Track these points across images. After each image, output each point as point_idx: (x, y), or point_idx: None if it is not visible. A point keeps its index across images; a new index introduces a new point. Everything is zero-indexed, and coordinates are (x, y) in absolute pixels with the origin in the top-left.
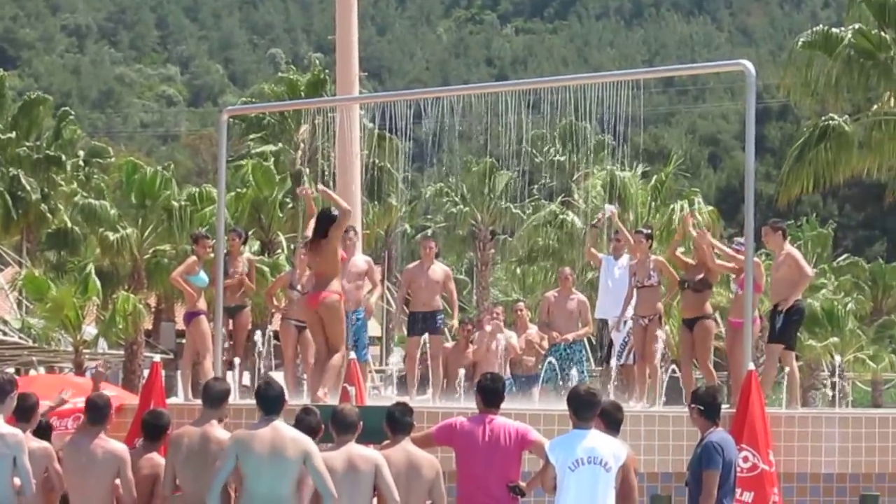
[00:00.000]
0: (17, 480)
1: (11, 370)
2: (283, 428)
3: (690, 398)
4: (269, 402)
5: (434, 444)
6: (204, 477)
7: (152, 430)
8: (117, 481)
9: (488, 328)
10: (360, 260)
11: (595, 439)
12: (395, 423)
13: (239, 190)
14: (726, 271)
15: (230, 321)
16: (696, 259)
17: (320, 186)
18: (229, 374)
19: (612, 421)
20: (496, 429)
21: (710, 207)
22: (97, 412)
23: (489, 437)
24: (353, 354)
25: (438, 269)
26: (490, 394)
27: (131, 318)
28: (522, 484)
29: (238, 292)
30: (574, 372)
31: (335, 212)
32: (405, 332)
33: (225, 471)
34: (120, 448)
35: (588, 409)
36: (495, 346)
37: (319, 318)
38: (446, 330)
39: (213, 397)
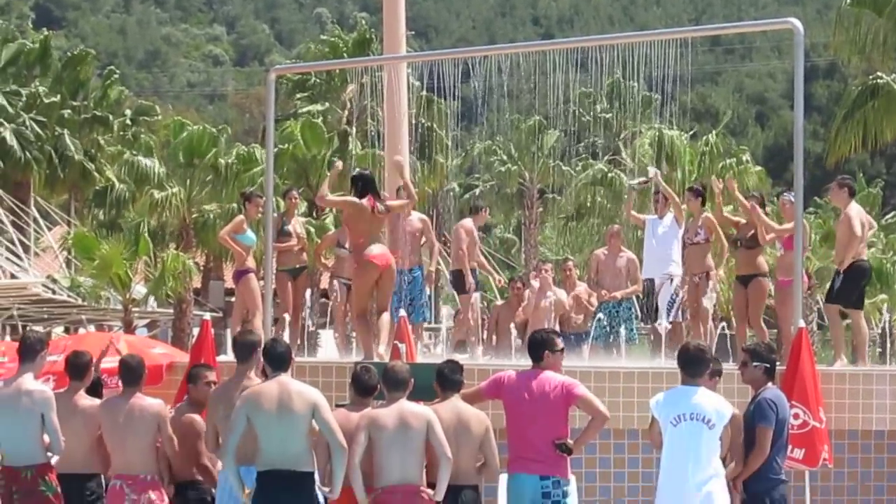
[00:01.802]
0: (46, 438)
1: (61, 329)
2: (289, 382)
3: (749, 355)
4: (276, 358)
5: (483, 398)
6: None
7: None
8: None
9: (535, 283)
10: (414, 219)
11: (700, 396)
12: (445, 380)
13: (282, 146)
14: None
15: (290, 283)
16: (746, 217)
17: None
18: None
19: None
20: (542, 382)
21: (759, 168)
22: (130, 373)
23: (535, 390)
24: (402, 312)
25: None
26: (536, 348)
27: (180, 276)
28: (570, 442)
29: (300, 254)
30: (622, 330)
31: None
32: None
33: (237, 432)
34: (157, 404)
35: (696, 366)
36: (545, 303)
37: (378, 278)
38: (495, 287)
39: (241, 349)
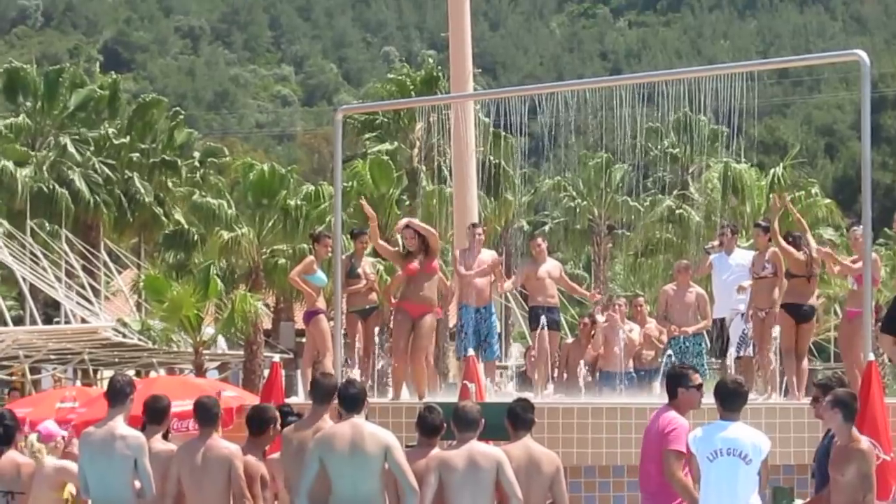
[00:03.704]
0: (137, 483)
1: (132, 372)
2: (362, 424)
3: (820, 390)
4: (350, 400)
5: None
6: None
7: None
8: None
9: (600, 318)
10: (486, 255)
11: (737, 430)
12: (517, 419)
13: (346, 185)
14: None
15: (360, 323)
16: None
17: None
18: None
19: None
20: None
21: (828, 200)
22: (206, 413)
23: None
24: (470, 351)
25: (552, 265)
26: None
27: (250, 317)
28: None
29: (368, 294)
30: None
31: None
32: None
33: (310, 474)
34: (231, 448)
35: (734, 400)
36: (617, 339)
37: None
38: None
39: (319, 391)
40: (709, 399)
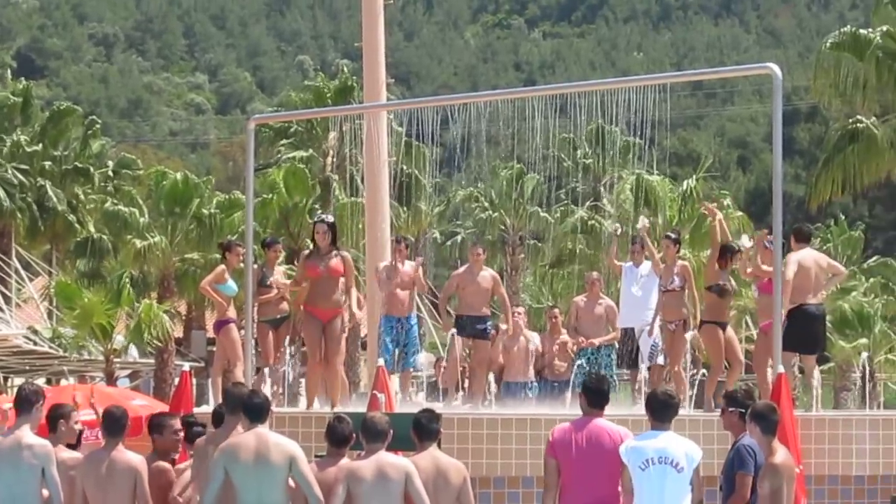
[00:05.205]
0: (45, 492)
1: (42, 380)
2: (267, 434)
3: (725, 401)
4: (254, 410)
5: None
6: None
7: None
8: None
9: (503, 327)
10: (408, 267)
11: (668, 440)
12: (422, 430)
13: (266, 196)
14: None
15: (271, 332)
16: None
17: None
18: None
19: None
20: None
21: (740, 213)
22: (114, 423)
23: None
24: (380, 361)
25: (487, 275)
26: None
27: (156, 326)
28: None
29: (279, 304)
30: None
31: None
32: (449, 335)
33: (215, 485)
34: (136, 459)
35: (665, 411)
36: (520, 346)
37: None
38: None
39: (233, 403)
40: (638, 410)
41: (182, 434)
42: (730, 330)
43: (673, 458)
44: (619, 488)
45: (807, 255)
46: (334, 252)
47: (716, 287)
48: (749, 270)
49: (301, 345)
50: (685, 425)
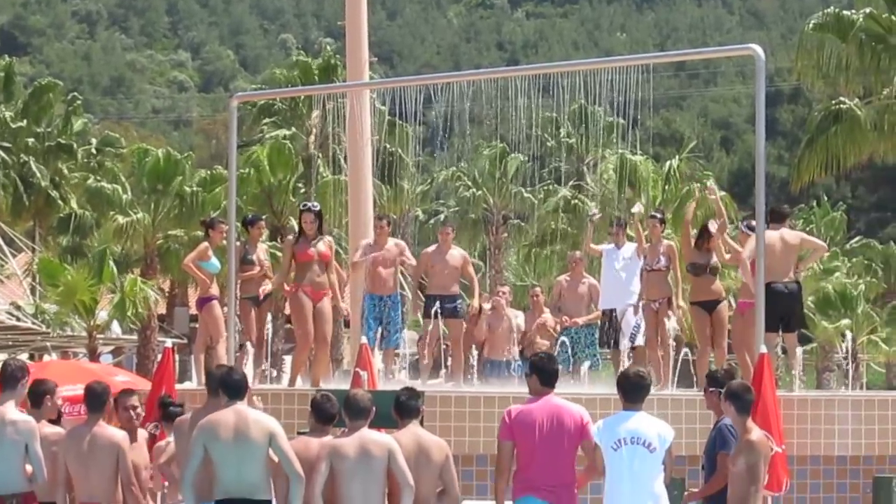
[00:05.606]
0: (28, 467)
1: (25, 356)
2: (246, 411)
3: (707, 381)
4: (233, 387)
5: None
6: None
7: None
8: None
9: (487, 306)
10: (392, 245)
11: (640, 420)
12: (402, 407)
13: (243, 171)
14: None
15: (254, 310)
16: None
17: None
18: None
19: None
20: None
21: (723, 193)
22: (95, 399)
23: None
24: (364, 339)
25: (457, 254)
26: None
27: (139, 302)
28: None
29: (262, 281)
30: (584, 356)
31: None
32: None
33: (194, 462)
34: (119, 435)
35: (637, 392)
36: (504, 325)
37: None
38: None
39: (215, 383)
40: (610, 389)
41: (137, 411)
42: (721, 310)
43: (645, 439)
44: (578, 467)
45: (771, 235)
46: (320, 237)
47: (690, 267)
48: (728, 257)
49: (285, 321)
50: (667, 404)
